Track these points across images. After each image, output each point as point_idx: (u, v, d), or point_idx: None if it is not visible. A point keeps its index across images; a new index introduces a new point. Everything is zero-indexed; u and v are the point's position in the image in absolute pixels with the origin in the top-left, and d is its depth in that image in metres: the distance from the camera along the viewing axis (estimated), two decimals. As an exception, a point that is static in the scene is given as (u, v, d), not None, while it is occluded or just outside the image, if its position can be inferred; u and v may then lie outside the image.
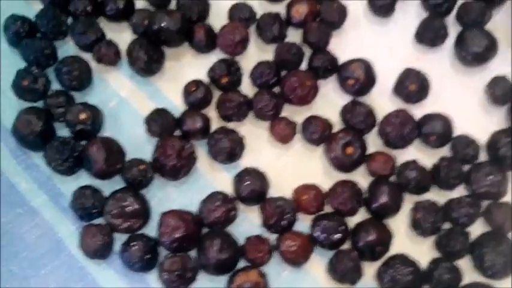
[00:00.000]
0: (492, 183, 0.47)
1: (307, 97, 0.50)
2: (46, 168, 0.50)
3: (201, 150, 0.51)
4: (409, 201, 0.49)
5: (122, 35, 0.55)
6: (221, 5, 0.55)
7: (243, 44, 0.53)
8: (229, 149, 0.49)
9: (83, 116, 0.50)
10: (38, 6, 0.55)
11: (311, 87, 0.50)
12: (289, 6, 0.53)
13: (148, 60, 0.52)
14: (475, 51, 0.51)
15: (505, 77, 0.51)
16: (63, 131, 0.51)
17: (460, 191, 0.50)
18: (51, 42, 0.54)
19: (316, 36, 0.52)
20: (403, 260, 0.46)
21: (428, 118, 0.50)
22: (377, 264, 0.48)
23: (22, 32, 0.53)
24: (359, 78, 0.50)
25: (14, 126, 0.50)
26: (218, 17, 0.55)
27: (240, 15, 0.54)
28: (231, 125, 0.52)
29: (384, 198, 0.48)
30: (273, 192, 0.50)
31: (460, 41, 0.51)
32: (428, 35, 0.52)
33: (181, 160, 0.49)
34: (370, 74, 0.51)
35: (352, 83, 0.50)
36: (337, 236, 0.47)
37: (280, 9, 0.54)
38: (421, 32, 0.52)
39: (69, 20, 0.55)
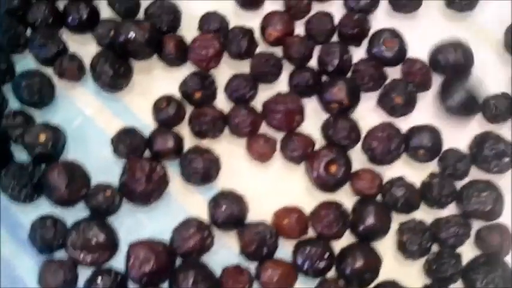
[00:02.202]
0: (485, 201, 0.42)
1: (291, 125, 0.44)
2: (2, 196, 0.43)
3: (173, 171, 0.45)
4: (396, 221, 0.44)
5: (86, 48, 0.48)
6: (193, 14, 0.49)
7: (216, 58, 0.46)
8: (203, 170, 0.43)
9: (43, 138, 0.43)
10: (-6, 18, 0.48)
11: (298, 114, 0.44)
12: (262, 28, 0.47)
13: (114, 75, 0.45)
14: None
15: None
16: (21, 154, 0.45)
17: (449, 209, 0.44)
18: (8, 55, 0.47)
19: (298, 51, 0.46)
20: (393, 287, 0.41)
21: (415, 131, 0.44)
22: (365, 292, 0.42)
23: (-25, 47, 0.46)
24: (342, 101, 0.44)
25: (-36, 152, 0.43)
26: (189, 26, 0.48)
27: (211, 26, 0.47)
28: (205, 143, 0.45)
29: (370, 220, 0.42)
30: (252, 215, 0.44)
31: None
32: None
33: (152, 184, 0.43)
34: (354, 95, 0.45)
35: (335, 106, 0.44)
36: (322, 263, 0.41)
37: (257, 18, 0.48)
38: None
39: (28, 32, 0.48)
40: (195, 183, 0.44)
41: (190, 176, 0.43)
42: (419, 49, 0.48)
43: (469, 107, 0.44)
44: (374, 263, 0.41)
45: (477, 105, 0.44)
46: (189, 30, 0.48)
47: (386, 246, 0.43)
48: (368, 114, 0.47)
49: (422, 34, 0.49)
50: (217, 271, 0.42)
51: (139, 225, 0.44)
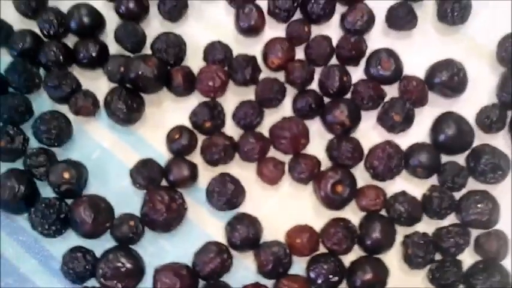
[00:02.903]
0: (482, 212, 0.45)
1: (298, 148, 0.47)
2: (32, 230, 0.46)
3: (189, 198, 0.48)
4: (400, 233, 0.47)
5: (97, 82, 0.50)
6: (197, 44, 0.51)
7: (222, 88, 0.49)
8: (231, 198, 0.46)
9: (66, 176, 0.46)
10: (8, 57, 0.50)
11: (303, 138, 0.47)
12: (264, 55, 0.49)
13: (127, 110, 0.48)
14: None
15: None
16: (46, 189, 0.47)
17: (450, 218, 0.47)
18: (25, 97, 0.49)
19: (299, 76, 0.48)
20: (401, 297, 0.44)
21: (414, 149, 0.47)
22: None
23: (-7, 89, 0.49)
24: (344, 123, 0.47)
25: (-5, 193, 0.46)
26: (194, 56, 0.51)
27: (216, 56, 0.50)
28: (217, 169, 0.48)
29: (376, 234, 0.45)
30: (266, 235, 0.47)
31: None
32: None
33: (171, 213, 0.46)
34: (355, 116, 0.47)
35: (338, 128, 0.47)
36: (335, 277, 0.44)
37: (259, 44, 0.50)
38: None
39: (42, 71, 0.50)
40: (221, 209, 0.46)
41: (219, 202, 0.46)
42: (415, 64, 0.50)
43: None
44: (382, 274, 0.45)
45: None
46: (194, 60, 0.50)
47: (392, 258, 0.46)
48: (369, 131, 0.49)
49: (418, 49, 0.51)
50: (238, 290, 0.45)
51: (162, 251, 0.47)
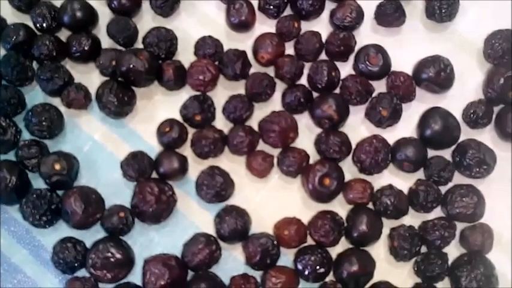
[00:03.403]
0: (467, 205, 0.46)
1: (286, 142, 0.48)
2: (24, 221, 0.47)
3: (179, 190, 0.48)
4: (387, 226, 0.47)
5: (89, 76, 0.51)
6: (188, 38, 0.51)
7: (213, 82, 0.49)
8: (220, 190, 0.46)
9: (57, 167, 0.47)
10: (1, 50, 0.51)
11: (292, 132, 0.48)
12: (254, 51, 0.50)
13: (119, 104, 0.48)
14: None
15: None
16: (38, 180, 0.48)
17: (437, 212, 0.48)
18: (18, 89, 0.50)
19: (288, 71, 0.49)
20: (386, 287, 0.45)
21: (401, 144, 0.48)
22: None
23: (-14, 82, 0.49)
24: (332, 117, 0.47)
25: (-14, 184, 0.46)
26: (185, 50, 0.51)
27: (206, 51, 0.50)
28: (208, 162, 0.49)
29: (363, 227, 0.46)
30: (254, 227, 0.47)
31: None
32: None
33: (161, 204, 0.46)
34: (343, 110, 0.48)
35: (326, 122, 0.48)
36: (322, 269, 0.45)
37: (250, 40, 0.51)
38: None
39: (34, 64, 0.51)
40: (210, 202, 0.47)
41: (207, 195, 0.46)
42: (403, 60, 0.51)
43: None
44: (368, 266, 0.45)
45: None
46: (185, 54, 0.51)
47: (379, 250, 0.47)
48: (357, 126, 0.50)
49: (406, 46, 0.52)
50: (226, 280, 0.46)
51: (151, 242, 0.47)
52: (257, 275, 0.46)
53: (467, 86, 0.51)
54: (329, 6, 0.52)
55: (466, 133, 0.50)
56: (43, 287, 0.46)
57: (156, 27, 0.51)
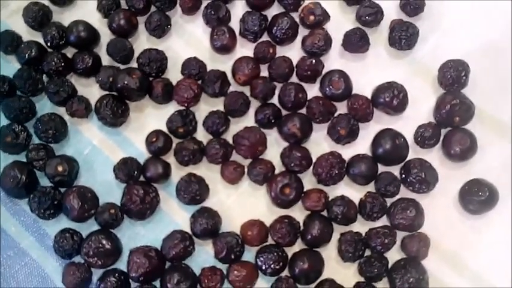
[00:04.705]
0: (407, 217, 0.52)
1: (255, 154, 0.55)
2: (31, 213, 0.55)
3: (163, 192, 0.56)
4: (338, 231, 0.54)
5: (91, 89, 0.59)
6: (177, 58, 0.58)
7: (195, 98, 0.56)
8: (195, 194, 0.53)
9: (60, 169, 0.55)
10: (16, 64, 0.59)
11: (261, 146, 0.54)
12: (233, 71, 0.57)
13: (113, 116, 0.56)
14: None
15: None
16: (44, 179, 0.56)
17: (383, 221, 0.55)
18: (29, 99, 0.58)
19: (261, 92, 0.56)
20: (330, 284, 0.52)
21: (355, 160, 0.55)
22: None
23: (3, 92, 0.57)
24: (296, 134, 0.54)
25: (0, 180, 0.55)
26: (175, 67, 0.59)
27: (191, 71, 0.57)
28: (188, 169, 0.57)
29: (315, 231, 0.53)
30: (225, 225, 0.55)
31: None
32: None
33: (146, 204, 0.54)
34: (306, 129, 0.54)
35: (290, 138, 0.54)
36: (278, 265, 0.52)
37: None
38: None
39: (44, 77, 0.59)
40: (187, 204, 0.54)
41: (185, 198, 0.54)
42: (366, 83, 0.57)
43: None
44: (318, 265, 0.52)
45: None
46: (173, 71, 0.58)
47: (330, 252, 0.54)
48: (320, 141, 0.57)
49: (370, 70, 0.58)
50: (197, 271, 0.54)
51: (137, 235, 0.55)
52: (224, 268, 0.54)
53: (421, 109, 0.57)
54: (303, 32, 0.58)
55: (417, 152, 0.56)
56: (46, 269, 0.55)
57: (148, 49, 0.58)
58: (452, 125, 0.55)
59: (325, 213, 0.55)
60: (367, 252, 0.53)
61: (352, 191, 0.55)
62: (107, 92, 0.58)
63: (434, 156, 0.56)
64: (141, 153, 0.57)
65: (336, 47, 0.58)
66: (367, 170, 0.54)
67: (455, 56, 0.56)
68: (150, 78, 0.58)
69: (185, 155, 0.55)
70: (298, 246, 0.54)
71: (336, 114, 0.56)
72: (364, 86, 0.57)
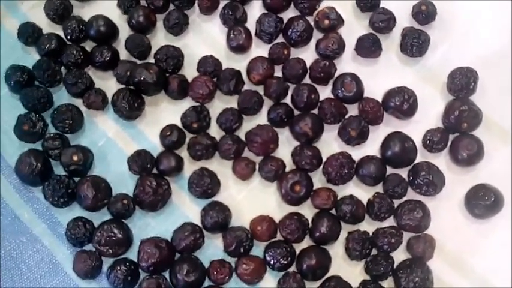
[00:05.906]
0: (414, 218, 0.53)
1: (267, 152, 0.56)
2: (45, 200, 0.56)
3: (175, 185, 0.57)
4: (346, 230, 0.55)
5: (108, 83, 0.60)
6: (193, 55, 0.60)
7: (210, 95, 0.58)
8: (207, 188, 0.54)
9: (75, 158, 0.56)
10: (36, 55, 0.60)
11: (272, 143, 0.55)
12: (248, 71, 0.58)
13: (129, 109, 0.57)
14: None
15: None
16: (59, 168, 0.57)
17: (390, 221, 0.56)
18: (47, 90, 0.59)
19: (274, 91, 0.57)
20: (337, 281, 0.53)
21: (364, 161, 0.56)
22: (318, 284, 0.54)
23: (22, 81, 0.58)
24: (307, 134, 0.55)
25: (16, 167, 0.56)
26: (191, 65, 0.60)
27: (207, 68, 0.59)
28: (200, 164, 0.57)
29: (323, 229, 0.54)
30: (235, 220, 0.56)
31: None
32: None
33: (158, 196, 0.55)
34: (317, 129, 0.56)
35: (302, 137, 0.55)
36: (285, 261, 0.53)
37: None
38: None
39: (63, 69, 0.60)
40: (198, 197, 0.55)
41: (196, 191, 0.55)
42: (377, 87, 0.58)
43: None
44: (325, 262, 0.53)
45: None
46: (190, 69, 0.59)
47: (337, 249, 0.55)
48: (331, 142, 0.58)
49: (381, 75, 0.59)
50: (206, 263, 0.55)
51: (148, 226, 0.56)
52: (232, 261, 0.55)
53: (430, 114, 0.58)
54: (318, 35, 0.60)
55: (425, 156, 0.57)
56: (57, 256, 0.55)
57: (166, 45, 0.59)
58: (460, 130, 0.56)
59: (333, 211, 0.55)
60: (374, 252, 0.54)
61: (361, 191, 0.56)
62: (123, 86, 0.59)
63: (441, 160, 0.57)
64: (155, 147, 0.58)
65: (349, 51, 0.59)
66: (375, 171, 0.55)
67: (465, 64, 0.58)
68: (167, 74, 0.59)
69: (198, 149, 0.56)
70: (306, 242, 0.55)
71: (347, 116, 0.57)
72: (375, 89, 0.58)
